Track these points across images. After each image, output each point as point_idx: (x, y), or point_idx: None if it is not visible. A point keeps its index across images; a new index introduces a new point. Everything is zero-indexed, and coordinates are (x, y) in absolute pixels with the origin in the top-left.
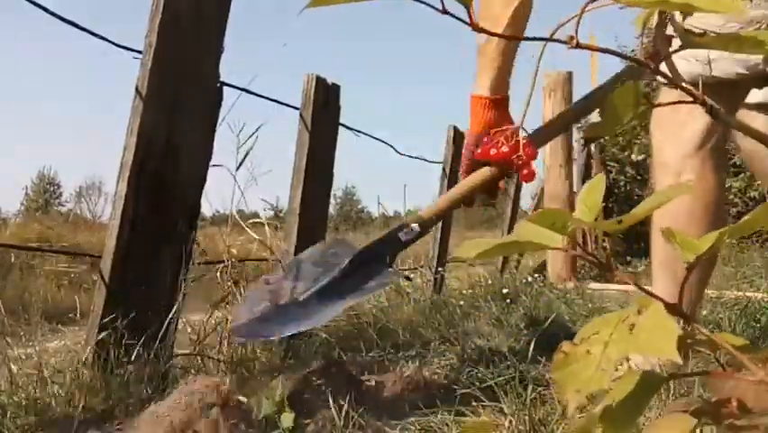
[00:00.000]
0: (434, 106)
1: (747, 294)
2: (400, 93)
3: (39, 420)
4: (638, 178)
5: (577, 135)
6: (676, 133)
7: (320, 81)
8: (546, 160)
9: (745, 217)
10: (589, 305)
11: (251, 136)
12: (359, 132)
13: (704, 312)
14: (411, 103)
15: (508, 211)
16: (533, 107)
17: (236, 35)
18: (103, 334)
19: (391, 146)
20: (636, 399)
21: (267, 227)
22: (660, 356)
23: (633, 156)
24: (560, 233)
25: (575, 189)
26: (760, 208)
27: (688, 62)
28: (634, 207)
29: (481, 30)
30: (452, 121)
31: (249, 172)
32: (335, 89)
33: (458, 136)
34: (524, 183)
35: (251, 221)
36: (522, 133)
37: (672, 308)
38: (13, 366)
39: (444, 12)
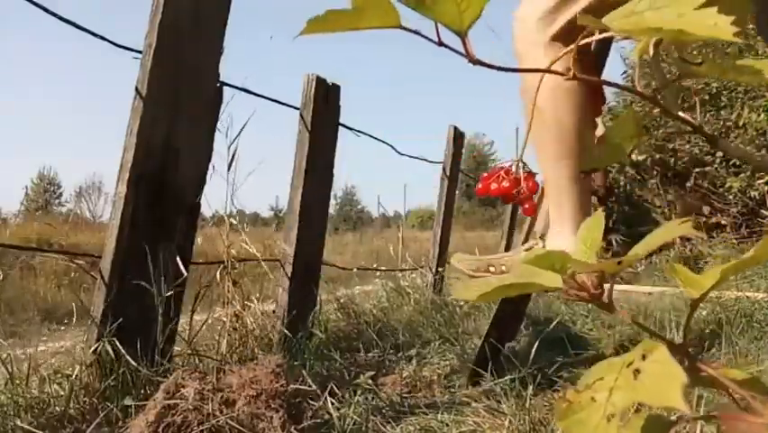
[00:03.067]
0: (434, 106)
1: (747, 294)
2: (400, 93)
3: (39, 420)
4: (638, 178)
5: None
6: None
7: (320, 81)
8: None
9: (749, 253)
10: (589, 305)
11: (239, 133)
12: (359, 132)
13: (704, 312)
14: (411, 103)
15: (508, 212)
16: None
17: (236, 35)
18: (102, 334)
19: (391, 146)
20: None
21: (243, 232)
22: (666, 405)
23: (633, 156)
24: (560, 274)
25: None
26: (763, 243)
27: None
28: (633, 207)
29: (480, 63)
30: (453, 121)
31: (235, 173)
32: (335, 89)
33: (458, 136)
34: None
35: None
36: (521, 167)
37: (677, 349)
38: (13, 366)
39: (441, 44)
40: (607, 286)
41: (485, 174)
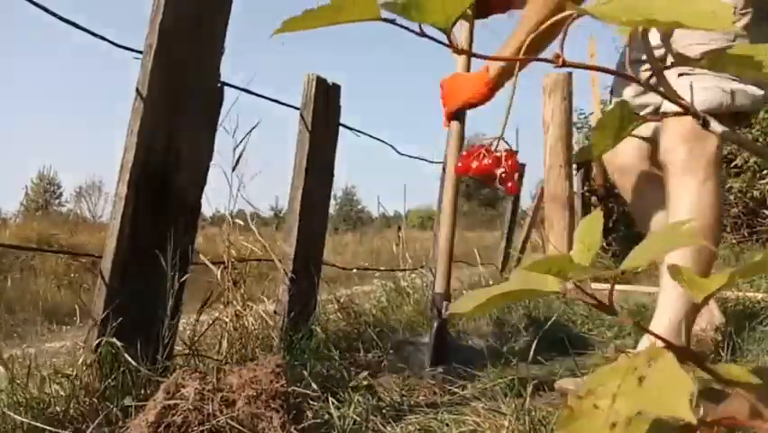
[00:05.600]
0: (434, 107)
1: (747, 294)
2: (400, 93)
3: (39, 420)
4: None
5: (578, 136)
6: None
7: (320, 81)
8: (546, 160)
9: (756, 259)
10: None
11: (246, 136)
12: (359, 132)
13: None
14: (411, 103)
15: (509, 211)
16: (534, 107)
17: (237, 35)
18: (102, 334)
19: (391, 146)
20: None
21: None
22: (672, 414)
23: None
24: (560, 278)
25: (575, 190)
26: None
27: (706, 90)
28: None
29: (464, 52)
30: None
31: (239, 174)
32: (336, 89)
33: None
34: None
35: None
36: (503, 145)
37: (681, 353)
38: (13, 366)
39: (423, 35)
40: (607, 288)
41: (464, 152)
